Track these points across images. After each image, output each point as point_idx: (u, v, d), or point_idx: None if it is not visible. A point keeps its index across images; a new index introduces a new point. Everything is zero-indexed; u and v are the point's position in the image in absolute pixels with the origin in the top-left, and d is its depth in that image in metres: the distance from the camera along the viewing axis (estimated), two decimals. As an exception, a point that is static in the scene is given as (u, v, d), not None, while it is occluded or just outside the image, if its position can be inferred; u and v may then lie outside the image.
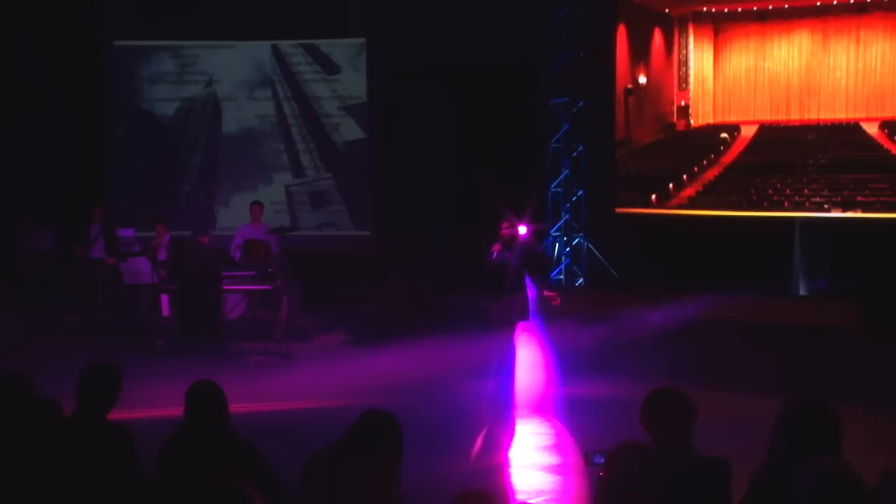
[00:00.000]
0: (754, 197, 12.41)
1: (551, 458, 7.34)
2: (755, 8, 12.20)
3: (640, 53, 12.99)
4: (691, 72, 12.95)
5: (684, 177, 12.57)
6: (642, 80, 13.02)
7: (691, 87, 13.00)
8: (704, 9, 12.53)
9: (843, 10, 11.70)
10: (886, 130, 11.64)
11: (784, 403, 3.60)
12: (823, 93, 12.09)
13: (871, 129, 11.72)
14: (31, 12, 13.62)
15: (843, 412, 3.57)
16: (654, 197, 12.69)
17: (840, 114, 11.96)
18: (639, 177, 13.30)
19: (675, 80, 13.06)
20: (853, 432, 3.75)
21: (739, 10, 12.40)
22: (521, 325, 8.93)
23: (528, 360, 9.13)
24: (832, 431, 3.49)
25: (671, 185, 12.62)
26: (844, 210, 11.33)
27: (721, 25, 12.66)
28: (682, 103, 13.05)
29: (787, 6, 12.05)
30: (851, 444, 3.57)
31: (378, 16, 14.45)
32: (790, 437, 3.47)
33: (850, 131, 11.94)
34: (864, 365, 9.26)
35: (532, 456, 7.45)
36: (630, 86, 12.86)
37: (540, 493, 6.47)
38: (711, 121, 13.02)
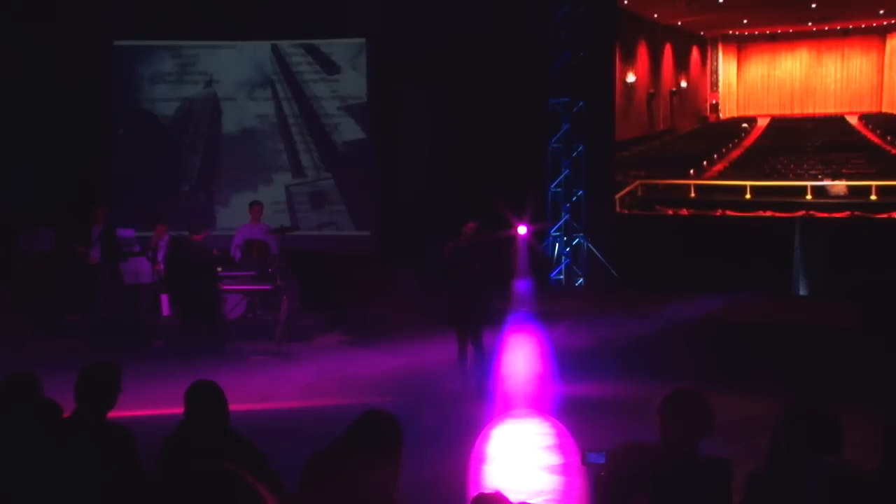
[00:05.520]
0: (767, 170, 15.61)
1: (551, 458, 7.34)
2: (768, 32, 16.64)
3: (681, 64, 17.26)
4: (720, 78, 17.15)
5: (715, 156, 16.18)
6: (683, 84, 17.23)
7: (720, 89, 17.20)
8: (730, 32, 16.91)
9: (831, 34, 16.09)
10: (863, 121, 15.74)
11: (784, 404, 3.60)
12: (818, 94, 16.16)
13: (853, 121, 15.85)
14: (32, 12, 13.60)
15: (842, 412, 3.58)
16: (692, 171, 16.02)
17: (830, 109, 16.14)
18: (682, 156, 16.78)
19: (709, 84, 17.29)
20: (853, 432, 3.75)
21: (756, 33, 16.80)
22: (512, 321, 9.01)
23: (528, 360, 9.14)
24: (832, 432, 3.49)
25: (705, 163, 16.05)
26: (833, 179, 14.29)
27: (742, 44, 17.14)
28: (714, 101, 17.18)
29: (791, 30, 16.26)
30: (851, 445, 3.57)
31: (378, 16, 14.42)
32: (790, 437, 3.48)
33: (837, 122, 16.06)
34: (865, 365, 9.25)
35: (532, 456, 7.45)
36: (674, 89, 16.82)
37: (540, 493, 6.46)
38: (735, 114, 17.18)
